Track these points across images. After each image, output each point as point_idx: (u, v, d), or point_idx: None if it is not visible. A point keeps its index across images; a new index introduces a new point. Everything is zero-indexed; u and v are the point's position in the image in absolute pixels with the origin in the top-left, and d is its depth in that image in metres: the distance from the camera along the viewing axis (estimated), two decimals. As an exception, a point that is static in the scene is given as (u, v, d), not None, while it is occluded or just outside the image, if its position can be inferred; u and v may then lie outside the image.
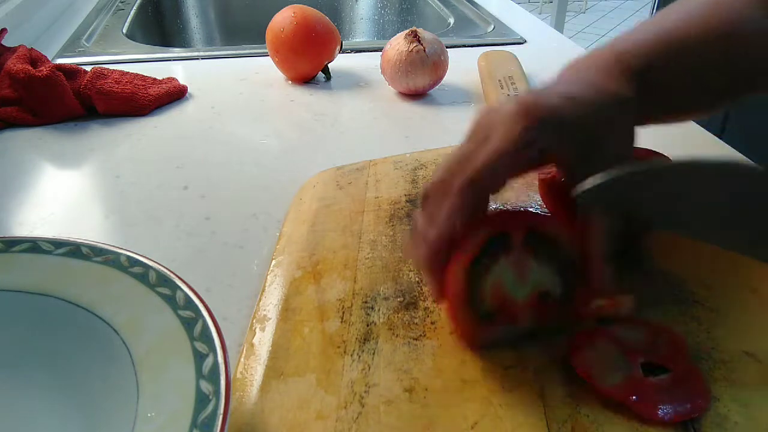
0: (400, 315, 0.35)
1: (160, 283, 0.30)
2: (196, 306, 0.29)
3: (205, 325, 0.28)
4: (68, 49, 0.80)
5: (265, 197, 0.49)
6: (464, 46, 0.83)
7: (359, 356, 0.32)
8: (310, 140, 0.59)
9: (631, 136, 0.34)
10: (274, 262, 0.40)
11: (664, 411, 0.28)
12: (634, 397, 0.29)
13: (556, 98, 0.32)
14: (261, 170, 0.53)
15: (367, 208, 0.44)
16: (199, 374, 0.26)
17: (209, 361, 0.26)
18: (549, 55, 0.82)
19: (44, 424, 0.28)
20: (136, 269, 0.31)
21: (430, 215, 0.32)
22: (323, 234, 0.42)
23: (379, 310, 0.35)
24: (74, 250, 0.33)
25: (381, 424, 0.29)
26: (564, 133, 0.31)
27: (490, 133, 0.31)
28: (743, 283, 0.37)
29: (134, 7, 0.98)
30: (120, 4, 0.99)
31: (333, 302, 0.36)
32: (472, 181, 0.30)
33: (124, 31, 0.88)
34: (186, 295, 0.30)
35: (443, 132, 0.59)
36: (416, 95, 0.67)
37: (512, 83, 0.65)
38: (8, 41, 0.70)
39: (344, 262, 0.39)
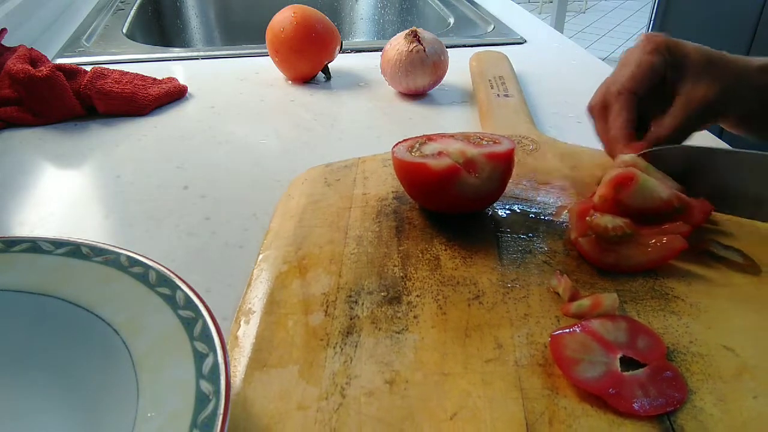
0: (383, 309, 0.35)
1: (160, 283, 0.30)
2: (196, 306, 0.29)
3: (205, 325, 0.28)
4: (68, 49, 0.80)
5: (265, 197, 0.49)
6: (464, 46, 0.83)
7: (342, 349, 0.32)
8: (309, 140, 0.59)
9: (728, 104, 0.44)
10: (261, 256, 0.40)
11: (639, 404, 0.28)
12: (611, 390, 0.29)
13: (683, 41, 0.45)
14: (261, 170, 0.53)
15: (354, 205, 0.44)
16: (199, 374, 0.26)
17: (209, 361, 0.26)
18: (549, 55, 0.82)
19: (44, 424, 0.28)
20: (136, 269, 0.31)
21: (605, 119, 0.46)
22: (310, 229, 0.42)
23: (362, 304, 0.35)
24: (74, 250, 0.33)
25: (361, 414, 0.29)
26: (676, 56, 0.44)
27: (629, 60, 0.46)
28: (722, 278, 0.37)
29: (134, 7, 0.98)
30: (120, 4, 0.99)
31: (317, 296, 0.36)
32: (624, 89, 0.44)
33: (124, 31, 0.88)
34: (186, 295, 0.30)
35: (443, 132, 0.59)
36: (416, 95, 0.67)
37: (502, 83, 0.65)
38: (8, 41, 0.70)
39: (330, 257, 0.39)
